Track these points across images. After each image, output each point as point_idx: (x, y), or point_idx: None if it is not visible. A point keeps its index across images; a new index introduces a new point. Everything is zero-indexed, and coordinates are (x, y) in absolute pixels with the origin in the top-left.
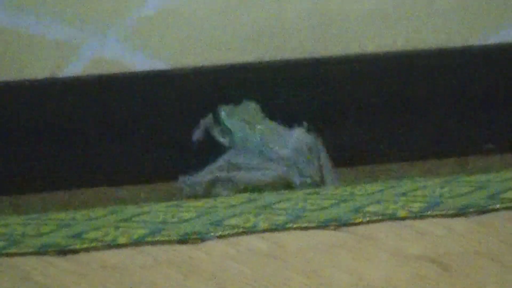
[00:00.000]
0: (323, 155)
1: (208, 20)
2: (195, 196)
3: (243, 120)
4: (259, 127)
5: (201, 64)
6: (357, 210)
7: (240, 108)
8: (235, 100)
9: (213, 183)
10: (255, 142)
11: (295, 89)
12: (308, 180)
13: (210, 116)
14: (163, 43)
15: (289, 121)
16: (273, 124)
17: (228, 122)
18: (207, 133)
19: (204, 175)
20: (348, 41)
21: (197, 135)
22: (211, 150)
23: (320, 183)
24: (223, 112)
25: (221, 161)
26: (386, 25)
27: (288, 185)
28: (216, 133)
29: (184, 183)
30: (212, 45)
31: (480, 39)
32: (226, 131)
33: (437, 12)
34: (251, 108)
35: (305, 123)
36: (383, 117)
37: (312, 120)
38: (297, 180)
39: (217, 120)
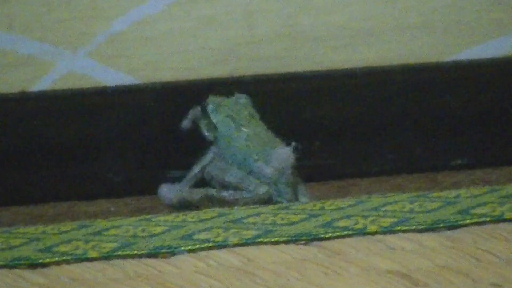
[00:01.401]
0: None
1: (180, 35)
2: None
3: (230, 117)
4: (245, 130)
5: (172, 79)
6: (327, 225)
7: (229, 102)
8: None
9: (202, 200)
10: (239, 147)
11: (265, 104)
12: (284, 202)
13: (198, 107)
14: (134, 58)
15: None
16: (260, 128)
17: (214, 117)
18: (194, 124)
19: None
20: (318, 57)
21: (185, 124)
22: (188, 152)
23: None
24: (211, 105)
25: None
26: (357, 41)
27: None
28: (203, 126)
29: (169, 196)
30: (184, 61)
31: (451, 56)
32: (212, 125)
33: (409, 27)
34: (241, 103)
35: (293, 143)
36: (353, 133)
37: (281, 135)
38: (274, 200)
39: (205, 112)
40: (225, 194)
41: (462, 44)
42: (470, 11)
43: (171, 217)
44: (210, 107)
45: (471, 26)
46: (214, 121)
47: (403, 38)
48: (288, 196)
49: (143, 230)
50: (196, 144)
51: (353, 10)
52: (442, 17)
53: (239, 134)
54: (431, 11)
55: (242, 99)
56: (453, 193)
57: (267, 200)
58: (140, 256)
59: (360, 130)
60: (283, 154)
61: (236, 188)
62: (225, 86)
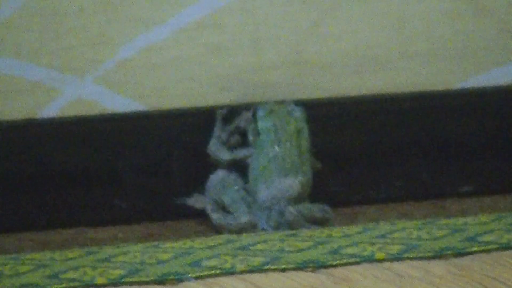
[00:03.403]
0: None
1: (187, 62)
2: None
3: (274, 128)
4: (277, 148)
5: (179, 106)
6: (334, 252)
7: (281, 111)
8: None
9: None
10: (260, 163)
11: None
12: (269, 229)
13: (251, 110)
14: (141, 85)
15: None
16: (296, 148)
17: (261, 123)
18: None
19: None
20: (325, 84)
21: (238, 124)
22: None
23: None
24: (261, 110)
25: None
26: (363, 68)
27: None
28: (250, 129)
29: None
30: (191, 87)
31: (459, 83)
32: (256, 131)
33: (416, 55)
34: (293, 115)
35: (301, 178)
36: (360, 159)
37: None
38: (261, 227)
39: (254, 116)
40: (214, 216)
41: (469, 71)
42: (477, 39)
43: (178, 243)
44: (259, 112)
45: (478, 53)
46: (259, 127)
47: (410, 66)
48: (275, 224)
49: (150, 257)
50: (203, 170)
51: (360, 37)
52: (449, 44)
53: (269, 150)
54: (438, 39)
55: (297, 112)
56: (461, 220)
57: (250, 229)
58: (147, 283)
59: (368, 157)
60: (285, 185)
61: (227, 209)
62: (233, 114)
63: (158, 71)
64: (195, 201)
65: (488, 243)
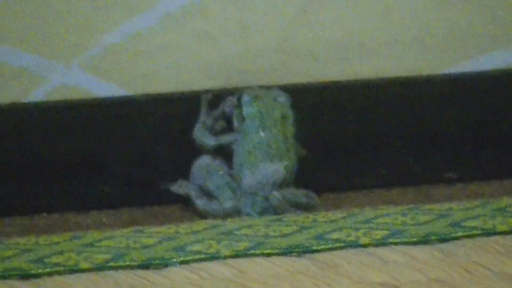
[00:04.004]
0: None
1: (173, 48)
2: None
3: (259, 114)
4: (262, 134)
5: (166, 91)
6: (319, 237)
7: (267, 98)
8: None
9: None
10: (246, 149)
11: None
12: (255, 215)
13: (236, 96)
14: (127, 71)
15: None
16: (281, 135)
17: (246, 109)
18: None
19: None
20: (312, 70)
21: (223, 109)
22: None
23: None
24: (246, 96)
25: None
26: (350, 55)
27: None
28: (235, 115)
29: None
30: (177, 74)
31: (445, 69)
32: (241, 117)
33: (402, 41)
34: (279, 101)
35: (286, 163)
36: (346, 146)
37: None
38: (245, 212)
39: (239, 102)
40: (198, 202)
41: (456, 58)
42: (463, 25)
43: (163, 228)
44: (244, 98)
45: (465, 40)
46: (244, 113)
47: (396, 52)
48: (260, 210)
49: (135, 242)
50: (190, 156)
51: (347, 24)
52: (436, 31)
53: (254, 136)
54: (425, 25)
55: (282, 97)
56: (445, 206)
57: (234, 214)
58: (132, 267)
59: (353, 143)
60: (270, 170)
61: (212, 195)
62: (219, 99)
63: (145, 57)
64: (179, 187)
65: (472, 228)
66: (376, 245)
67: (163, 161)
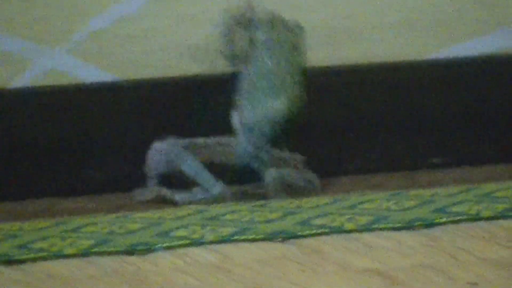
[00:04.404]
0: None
1: (159, 33)
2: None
3: (271, 41)
4: (268, 62)
5: (151, 77)
6: (304, 223)
7: (281, 25)
8: (188, 113)
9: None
10: (249, 77)
11: None
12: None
13: (237, 16)
14: (114, 56)
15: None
16: (287, 67)
17: (259, 33)
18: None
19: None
20: None
21: (218, 29)
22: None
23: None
24: (259, 22)
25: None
26: (337, 39)
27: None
28: (237, 37)
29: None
30: (163, 58)
31: (431, 54)
32: (248, 41)
33: (389, 26)
34: (294, 32)
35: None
36: (333, 131)
37: None
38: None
39: (248, 25)
40: (177, 198)
41: (442, 42)
42: (450, 10)
43: (148, 214)
44: (258, 23)
45: (451, 25)
46: (255, 37)
47: (383, 36)
48: (255, 146)
49: (120, 227)
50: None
51: (334, 8)
52: (423, 15)
53: (261, 65)
54: (412, 10)
55: (296, 28)
56: (430, 191)
57: (221, 201)
58: (117, 253)
59: (340, 128)
60: (271, 107)
61: (192, 180)
62: (205, 84)
63: (130, 42)
64: (141, 195)
65: (457, 214)
66: (361, 231)
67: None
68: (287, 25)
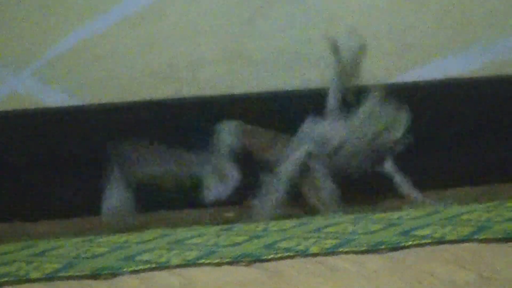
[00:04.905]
0: None
1: (123, 57)
2: None
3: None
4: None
5: (115, 100)
6: (269, 246)
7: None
8: (152, 136)
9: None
10: None
11: (208, 125)
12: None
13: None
14: (77, 79)
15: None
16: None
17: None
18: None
19: None
20: (260, 79)
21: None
22: None
23: None
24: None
25: None
26: (296, 63)
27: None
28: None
29: None
30: (126, 82)
31: (394, 78)
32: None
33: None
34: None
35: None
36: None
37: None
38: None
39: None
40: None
41: (406, 65)
42: (413, 33)
43: (114, 238)
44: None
45: (415, 47)
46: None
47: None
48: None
49: (86, 251)
50: None
51: (293, 34)
52: (386, 39)
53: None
54: (374, 34)
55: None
56: (395, 214)
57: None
58: (81, 277)
59: None
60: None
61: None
62: (169, 108)
63: (94, 65)
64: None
65: (422, 237)
66: (326, 254)
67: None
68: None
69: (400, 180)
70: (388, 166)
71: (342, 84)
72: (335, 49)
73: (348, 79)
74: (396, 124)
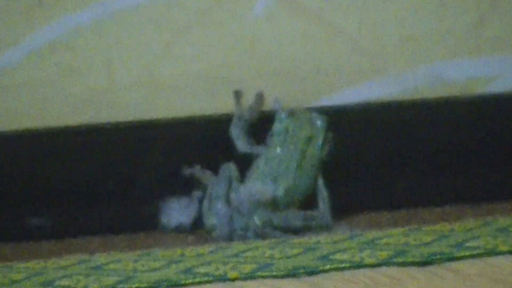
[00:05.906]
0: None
1: (39, 84)
2: None
3: (286, 131)
4: (278, 150)
5: (31, 127)
6: (187, 271)
7: (302, 117)
8: (72, 164)
9: None
10: (257, 161)
11: (125, 153)
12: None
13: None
14: None
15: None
16: (290, 153)
17: (276, 124)
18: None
19: None
20: (178, 104)
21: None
22: None
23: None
24: (283, 113)
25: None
26: (216, 88)
27: None
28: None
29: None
30: (43, 109)
31: (312, 103)
32: (271, 132)
33: (268, 74)
34: (316, 125)
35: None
36: None
37: (140, 180)
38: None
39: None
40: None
41: (322, 91)
42: (328, 59)
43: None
44: (280, 114)
45: (330, 73)
46: (273, 128)
47: (263, 85)
48: (240, 228)
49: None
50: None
51: (213, 58)
52: (301, 64)
53: (271, 151)
54: (290, 59)
55: (319, 121)
56: (313, 239)
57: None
58: None
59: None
60: (255, 190)
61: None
62: (86, 134)
63: (10, 93)
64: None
65: (341, 261)
66: (245, 279)
67: (33, 197)
68: (309, 118)
69: (322, 200)
70: (320, 183)
71: (243, 124)
72: (237, 99)
73: (250, 116)
74: (315, 131)
